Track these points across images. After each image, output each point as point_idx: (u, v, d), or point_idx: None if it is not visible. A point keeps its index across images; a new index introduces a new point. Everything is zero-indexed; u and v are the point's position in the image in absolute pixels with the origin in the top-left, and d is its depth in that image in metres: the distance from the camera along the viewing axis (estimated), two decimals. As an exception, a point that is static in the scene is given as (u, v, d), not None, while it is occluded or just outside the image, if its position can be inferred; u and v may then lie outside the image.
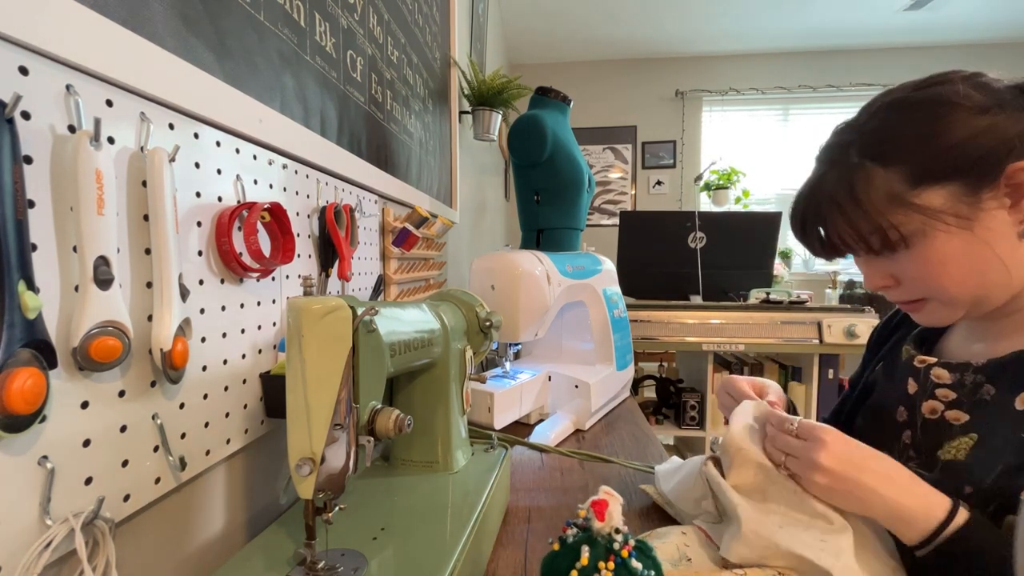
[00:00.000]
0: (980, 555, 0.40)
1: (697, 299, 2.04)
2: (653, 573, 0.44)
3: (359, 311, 0.42)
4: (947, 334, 0.57)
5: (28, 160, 0.31)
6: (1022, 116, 0.43)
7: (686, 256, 2.07)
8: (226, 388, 0.50)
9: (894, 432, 0.53)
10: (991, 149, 0.43)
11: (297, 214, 0.63)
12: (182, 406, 0.44)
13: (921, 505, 0.42)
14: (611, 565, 0.42)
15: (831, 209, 0.48)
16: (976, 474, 0.44)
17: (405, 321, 0.54)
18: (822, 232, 0.50)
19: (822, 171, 0.50)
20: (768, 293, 1.94)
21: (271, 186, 0.58)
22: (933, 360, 0.52)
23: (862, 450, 0.45)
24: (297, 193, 0.64)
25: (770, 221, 2.08)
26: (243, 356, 0.53)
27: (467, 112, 1.73)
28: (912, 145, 0.45)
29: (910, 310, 0.51)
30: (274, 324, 0.59)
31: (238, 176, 0.52)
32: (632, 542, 0.45)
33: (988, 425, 0.45)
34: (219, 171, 0.49)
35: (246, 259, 0.52)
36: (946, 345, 0.56)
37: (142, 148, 0.40)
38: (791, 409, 0.61)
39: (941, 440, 0.48)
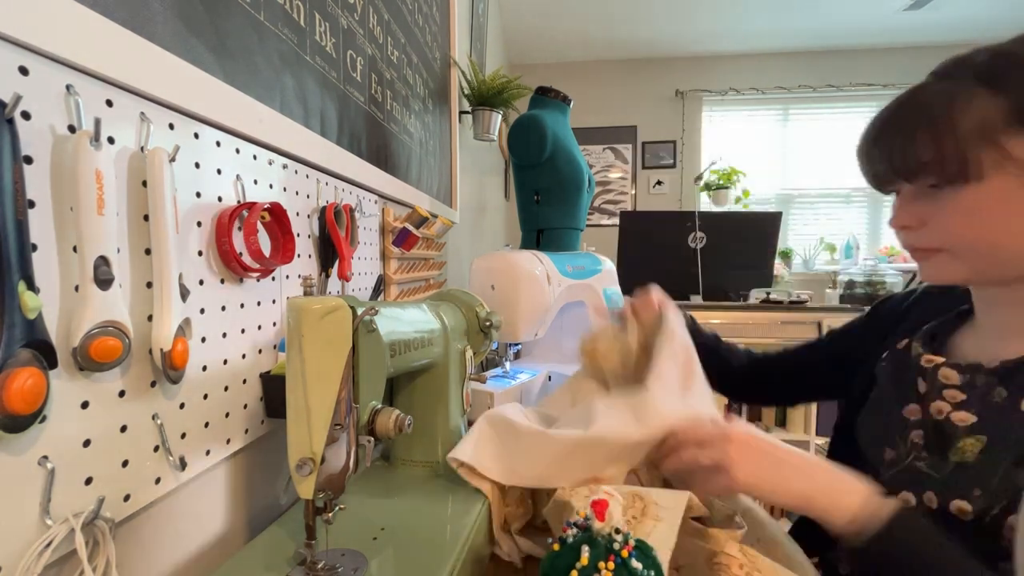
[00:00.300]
0: (907, 550, 0.41)
1: (697, 299, 2.04)
2: (653, 573, 0.44)
3: (359, 311, 0.42)
4: (957, 333, 0.55)
5: (28, 160, 0.31)
6: None
7: (686, 256, 2.07)
8: (226, 388, 0.50)
9: (901, 430, 0.53)
10: None
11: (297, 214, 0.63)
12: (182, 406, 0.44)
13: (831, 501, 0.45)
14: (611, 565, 0.42)
15: (921, 121, 0.45)
16: (985, 476, 0.44)
17: (405, 321, 0.54)
18: (898, 143, 0.47)
19: (931, 80, 0.47)
20: (768, 293, 1.94)
21: (271, 186, 0.58)
22: (941, 360, 0.51)
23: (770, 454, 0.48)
24: (297, 193, 0.64)
25: (770, 221, 2.08)
26: (243, 356, 0.53)
27: (467, 112, 1.73)
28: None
29: (920, 258, 0.50)
30: (274, 324, 0.59)
31: (238, 176, 0.52)
32: (632, 542, 0.45)
33: (999, 428, 0.45)
34: (219, 171, 0.49)
35: (246, 259, 0.52)
36: (956, 344, 0.55)
37: (142, 148, 0.40)
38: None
39: (950, 442, 0.48)
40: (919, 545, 0.42)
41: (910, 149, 0.46)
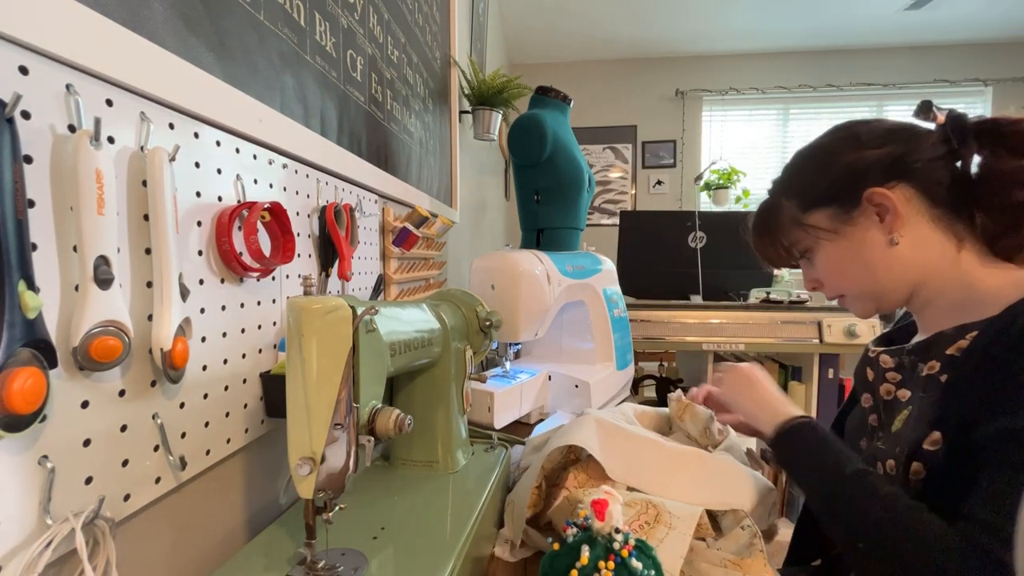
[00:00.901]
0: (808, 449, 0.55)
1: (697, 299, 2.04)
2: (653, 573, 0.44)
3: (359, 311, 0.42)
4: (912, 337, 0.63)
5: (28, 160, 0.31)
6: (882, 150, 0.54)
7: (686, 256, 2.07)
8: (226, 388, 0.50)
9: (864, 418, 0.60)
10: (848, 179, 0.55)
11: (297, 214, 0.63)
12: (182, 406, 0.44)
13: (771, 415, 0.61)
14: (611, 565, 0.42)
15: (758, 232, 0.65)
16: (904, 438, 0.51)
17: (405, 321, 0.54)
18: (758, 246, 0.66)
19: (760, 204, 0.66)
20: (768, 293, 1.94)
21: (271, 186, 0.58)
22: (880, 349, 0.60)
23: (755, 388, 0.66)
24: (297, 193, 0.64)
25: (770, 221, 2.07)
26: (243, 356, 0.53)
27: (467, 112, 1.73)
28: (799, 181, 0.61)
29: (840, 304, 0.63)
30: (274, 324, 0.59)
31: (238, 176, 0.52)
32: (632, 542, 0.45)
33: (917, 396, 0.52)
34: (219, 171, 0.49)
35: (246, 259, 0.52)
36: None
37: (142, 148, 0.40)
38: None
39: (893, 416, 0.55)
40: (805, 444, 0.56)
41: (764, 252, 0.66)
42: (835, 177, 0.56)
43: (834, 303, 2.29)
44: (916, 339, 0.56)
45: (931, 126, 0.54)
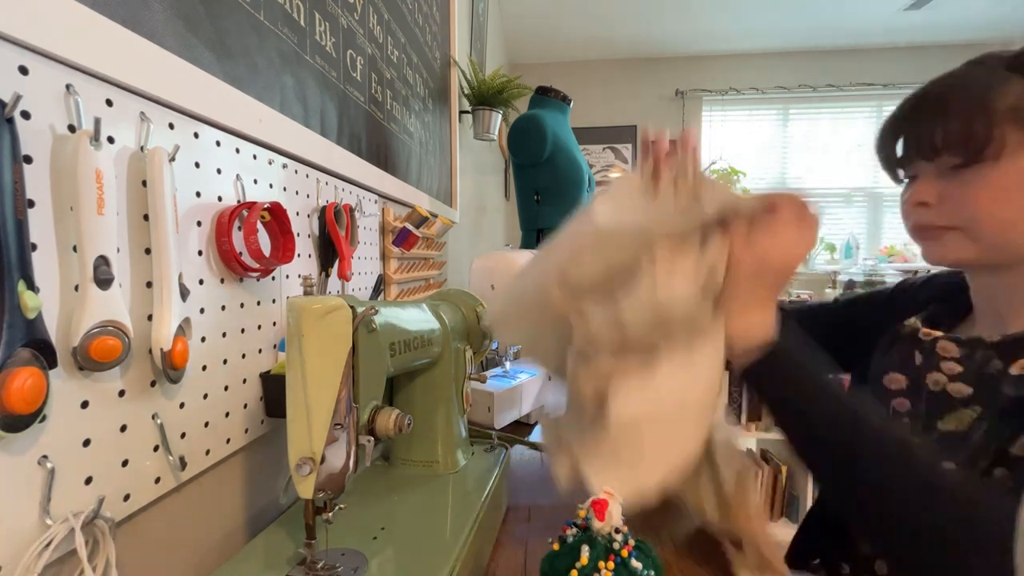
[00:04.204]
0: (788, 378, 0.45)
1: (697, 299, 2.04)
2: (653, 573, 0.44)
3: (359, 311, 0.42)
4: (957, 321, 0.56)
5: (28, 160, 0.31)
6: None
7: (686, 256, 2.07)
8: (226, 388, 0.50)
9: (880, 398, 0.54)
10: None
11: (297, 214, 0.63)
12: (182, 406, 0.44)
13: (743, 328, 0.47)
14: (611, 565, 0.42)
15: (959, 101, 0.47)
16: (973, 441, 0.44)
17: (405, 321, 0.54)
18: (934, 118, 0.48)
19: (965, 68, 0.49)
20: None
21: (271, 186, 0.58)
22: (940, 333, 0.51)
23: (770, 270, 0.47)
24: (297, 193, 0.64)
25: (770, 221, 2.07)
26: (243, 356, 0.53)
27: (467, 112, 1.73)
28: None
29: (930, 236, 0.51)
30: (274, 324, 0.59)
31: (238, 176, 0.52)
32: (632, 542, 0.45)
33: (992, 397, 0.45)
34: (219, 171, 0.49)
35: (246, 259, 0.52)
36: (955, 327, 0.55)
37: (142, 148, 0.40)
38: None
39: (942, 412, 0.48)
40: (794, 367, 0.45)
41: (945, 123, 0.47)
42: None
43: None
44: (995, 331, 0.48)
45: None
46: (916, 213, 0.51)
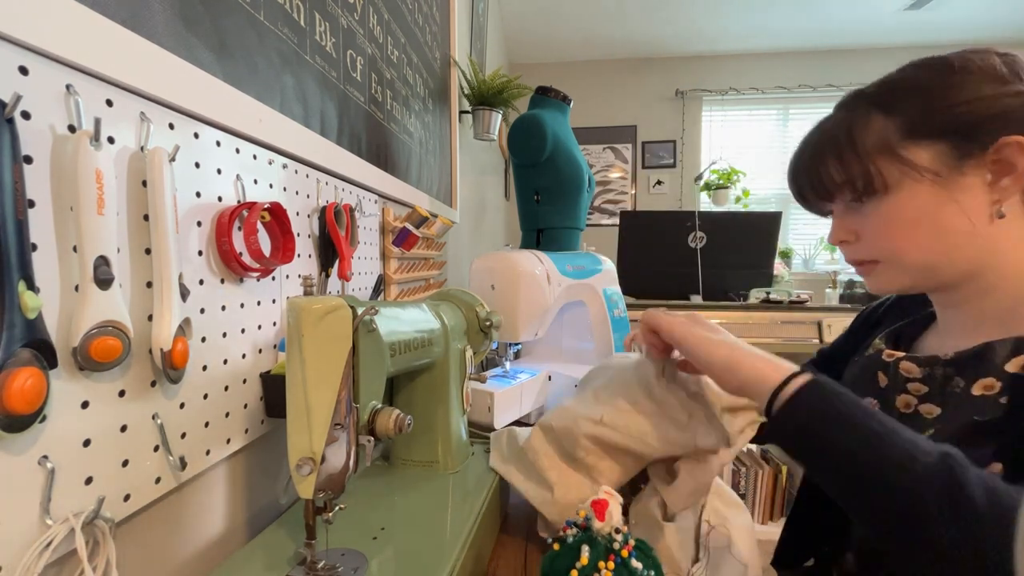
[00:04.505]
0: (819, 415, 0.41)
1: (697, 299, 2.04)
2: (653, 573, 0.44)
3: (359, 311, 0.42)
4: (922, 335, 0.56)
5: (28, 160, 0.31)
6: None
7: (686, 256, 2.07)
8: (226, 388, 0.50)
9: None
10: (986, 117, 0.43)
11: (297, 214, 0.63)
12: (182, 406, 0.44)
13: (758, 374, 0.46)
14: (611, 565, 0.42)
15: (828, 147, 0.50)
16: None
17: (405, 321, 0.54)
18: (813, 168, 0.51)
19: (832, 114, 0.52)
20: (768, 293, 1.94)
21: (271, 186, 0.58)
22: (901, 354, 0.51)
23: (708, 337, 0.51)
24: (297, 193, 0.64)
25: (770, 221, 2.08)
26: (243, 356, 0.53)
27: (467, 112, 1.73)
28: (913, 98, 0.46)
29: (862, 272, 0.52)
30: (274, 324, 0.59)
31: (238, 176, 0.52)
32: (632, 542, 0.45)
33: (954, 416, 0.45)
34: (219, 171, 0.49)
35: (246, 259, 0.52)
36: (919, 344, 0.55)
37: (142, 148, 0.40)
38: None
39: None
40: (828, 407, 0.41)
41: (823, 171, 0.50)
42: (966, 109, 0.44)
43: (834, 302, 2.30)
44: (950, 346, 0.47)
45: None
46: (842, 250, 0.54)
